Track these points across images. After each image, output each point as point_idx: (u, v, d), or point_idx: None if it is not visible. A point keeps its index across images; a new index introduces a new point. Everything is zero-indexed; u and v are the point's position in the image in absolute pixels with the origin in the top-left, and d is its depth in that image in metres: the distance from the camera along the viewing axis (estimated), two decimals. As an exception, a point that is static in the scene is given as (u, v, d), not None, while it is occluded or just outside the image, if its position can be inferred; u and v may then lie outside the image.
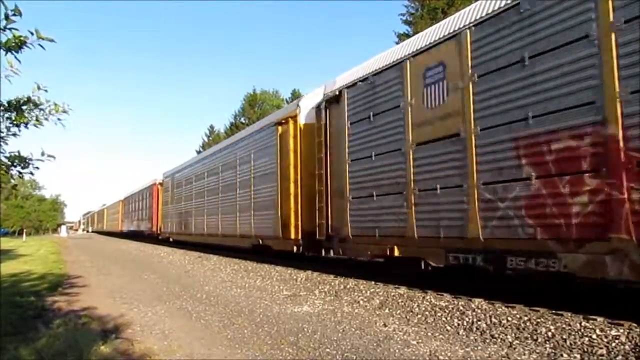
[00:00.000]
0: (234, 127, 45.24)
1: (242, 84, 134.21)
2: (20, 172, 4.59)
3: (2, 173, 4.45)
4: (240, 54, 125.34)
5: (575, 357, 3.94)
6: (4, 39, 3.93)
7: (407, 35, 25.57)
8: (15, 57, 4.01)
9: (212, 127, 53.60)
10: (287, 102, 43.58)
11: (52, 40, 4.05)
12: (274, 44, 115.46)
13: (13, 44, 3.93)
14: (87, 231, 78.70)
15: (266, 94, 49.06)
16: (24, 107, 4.53)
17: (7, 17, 3.79)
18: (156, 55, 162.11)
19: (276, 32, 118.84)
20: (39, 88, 4.61)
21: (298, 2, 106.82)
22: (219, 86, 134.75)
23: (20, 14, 3.82)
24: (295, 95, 42.97)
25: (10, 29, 3.86)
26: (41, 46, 4.06)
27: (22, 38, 3.95)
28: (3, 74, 4.04)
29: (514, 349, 4.25)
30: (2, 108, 4.38)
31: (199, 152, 43.80)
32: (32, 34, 3.98)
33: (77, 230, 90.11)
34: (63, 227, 70.71)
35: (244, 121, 46.04)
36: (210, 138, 51.27)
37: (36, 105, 4.59)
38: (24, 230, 57.17)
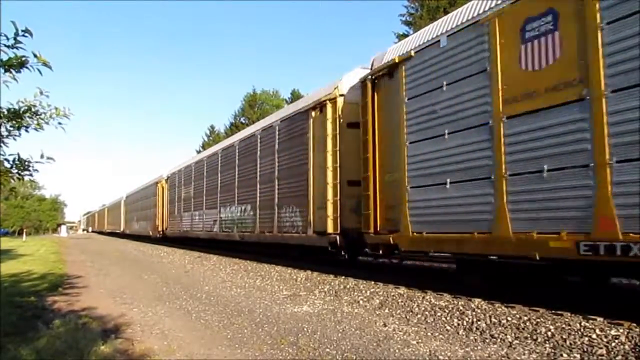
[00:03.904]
0: (234, 127, 45.28)
1: (242, 84, 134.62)
2: (19, 174, 4.60)
3: (2, 175, 4.45)
4: (240, 54, 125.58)
5: (575, 357, 3.94)
6: (5, 57, 3.92)
7: (407, 36, 25.55)
8: (14, 77, 4.01)
9: (212, 127, 53.80)
10: (287, 102, 43.49)
11: (49, 67, 4.05)
12: (274, 44, 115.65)
13: (14, 63, 3.94)
14: (87, 231, 78.69)
15: (266, 94, 49.13)
16: (24, 115, 4.54)
17: (16, 35, 3.78)
18: (156, 56, 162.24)
19: (276, 32, 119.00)
20: (41, 93, 4.62)
21: (298, 2, 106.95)
22: (219, 86, 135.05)
23: (32, 34, 3.81)
24: (295, 95, 42.88)
25: (17, 47, 3.86)
26: (39, 71, 4.07)
27: (22, 59, 3.96)
28: (2, 81, 4.05)
29: (514, 348, 4.25)
30: (2, 116, 4.39)
31: (198, 152, 43.80)
32: (35, 55, 3.99)
33: (77, 230, 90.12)
34: (63, 227, 70.66)
35: (243, 121, 46.09)
36: (211, 138, 51.31)
37: (36, 114, 4.59)
38: (24, 230, 57.14)
